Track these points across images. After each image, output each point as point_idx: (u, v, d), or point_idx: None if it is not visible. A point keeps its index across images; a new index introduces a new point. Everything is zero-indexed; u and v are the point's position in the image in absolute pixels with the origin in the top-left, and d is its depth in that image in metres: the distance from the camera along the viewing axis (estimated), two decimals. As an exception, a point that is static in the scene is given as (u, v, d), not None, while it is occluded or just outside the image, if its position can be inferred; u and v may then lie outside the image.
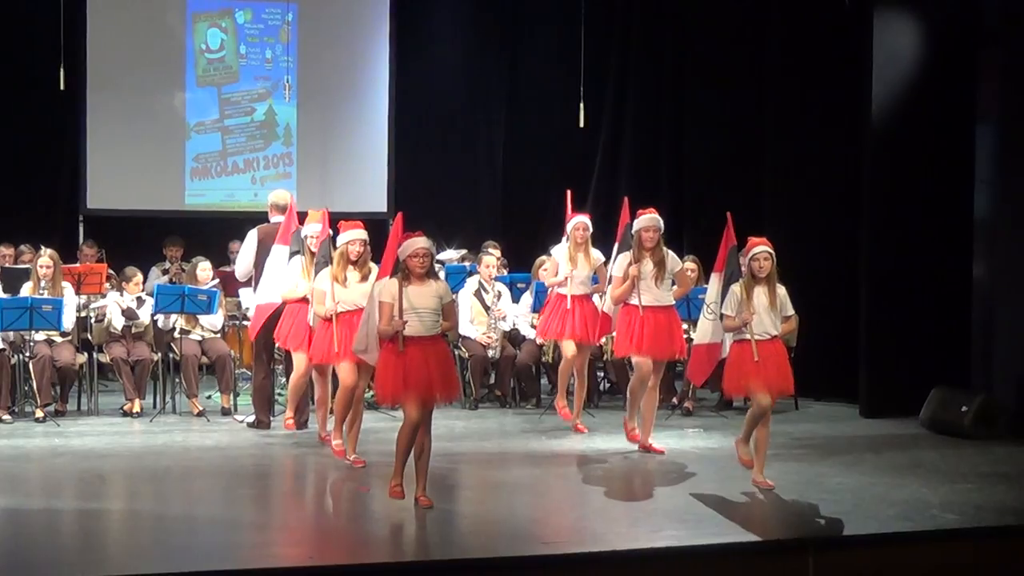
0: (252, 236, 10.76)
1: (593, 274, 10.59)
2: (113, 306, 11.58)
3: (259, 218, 11.41)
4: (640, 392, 9.77)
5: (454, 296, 12.05)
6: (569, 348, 10.62)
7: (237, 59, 15.30)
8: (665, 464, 9.59)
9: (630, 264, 9.64)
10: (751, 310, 8.51)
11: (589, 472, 9.41)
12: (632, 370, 10.05)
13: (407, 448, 8.00)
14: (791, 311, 8.73)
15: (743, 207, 12.73)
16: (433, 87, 15.77)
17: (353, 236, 9.30)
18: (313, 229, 9.91)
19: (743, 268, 8.79)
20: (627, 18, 15.38)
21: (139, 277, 11.80)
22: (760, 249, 8.62)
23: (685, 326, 11.68)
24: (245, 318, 12.33)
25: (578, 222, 10.62)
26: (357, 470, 9.13)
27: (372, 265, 9.33)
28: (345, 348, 9.15)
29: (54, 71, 13.27)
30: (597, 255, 10.55)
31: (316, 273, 9.58)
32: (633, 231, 9.73)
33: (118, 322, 11.54)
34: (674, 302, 9.91)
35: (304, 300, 9.85)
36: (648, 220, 9.69)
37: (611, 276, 9.90)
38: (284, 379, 10.95)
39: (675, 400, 11.76)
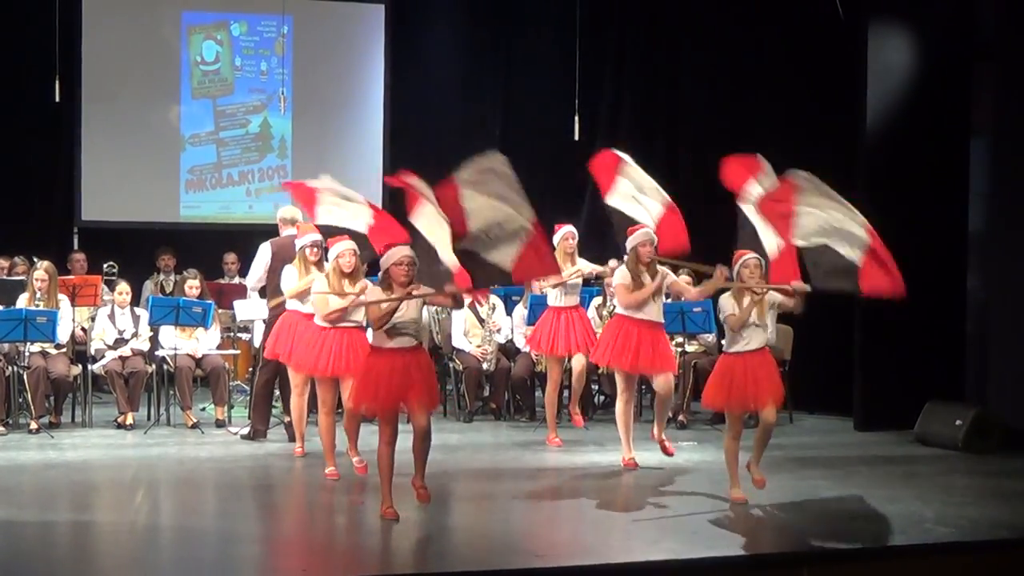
0: (265, 248, 10.74)
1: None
2: (104, 319, 11.59)
3: (254, 230, 11.42)
4: (657, 403, 9.86)
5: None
6: (555, 370, 10.72)
7: (232, 71, 15.32)
8: (659, 477, 9.58)
9: (633, 278, 9.62)
10: (745, 312, 8.53)
11: (583, 485, 9.40)
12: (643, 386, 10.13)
13: (389, 467, 8.00)
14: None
15: (737, 219, 12.76)
16: (428, 99, 15.77)
17: (342, 248, 9.29)
18: (310, 239, 9.89)
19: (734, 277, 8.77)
20: (622, 30, 15.39)
21: (123, 286, 11.80)
22: (750, 256, 8.63)
23: (680, 339, 11.76)
24: (242, 330, 12.34)
25: (567, 231, 10.70)
26: (353, 482, 9.12)
27: (365, 281, 9.30)
28: (346, 364, 9.13)
29: (49, 82, 13.27)
30: (584, 264, 10.68)
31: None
32: (629, 247, 9.73)
33: (111, 336, 11.54)
34: (663, 320, 9.88)
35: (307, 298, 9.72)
36: (644, 235, 9.69)
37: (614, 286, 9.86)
38: (278, 391, 10.93)
39: (670, 413, 11.74)
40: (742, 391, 8.52)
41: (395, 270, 7.97)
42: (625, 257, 9.78)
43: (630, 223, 9.74)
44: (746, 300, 8.58)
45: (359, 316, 9.17)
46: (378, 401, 7.96)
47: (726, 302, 8.64)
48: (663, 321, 9.84)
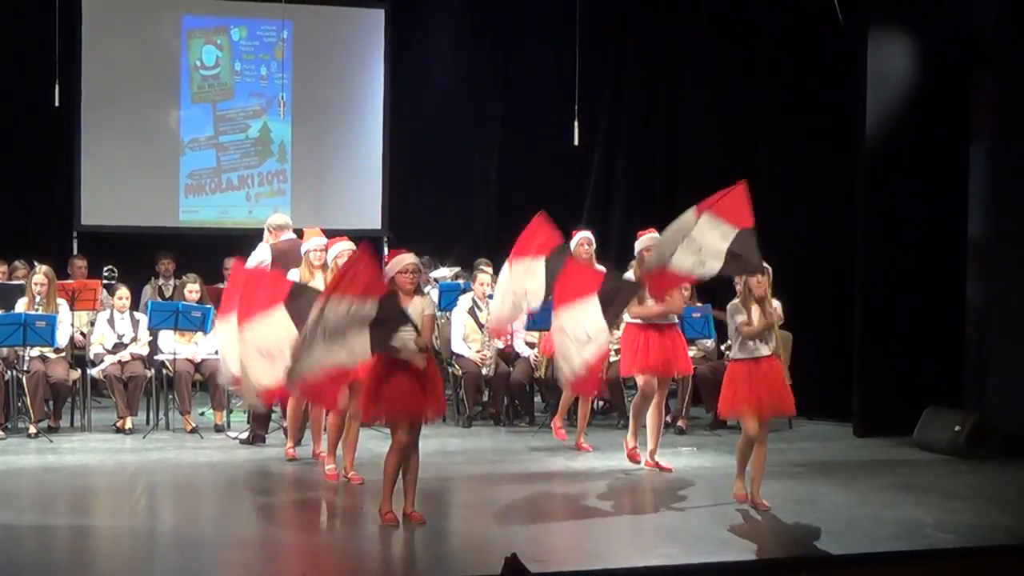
0: (263, 248, 10.74)
1: None
2: (103, 324, 11.59)
3: (253, 234, 11.41)
4: (643, 410, 9.79)
5: (447, 314, 12.16)
6: None
7: (232, 76, 15.32)
8: (659, 482, 9.58)
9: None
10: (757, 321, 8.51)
11: (582, 490, 9.39)
12: (631, 390, 10.08)
13: (395, 472, 7.99)
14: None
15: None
16: (427, 104, 15.77)
17: (341, 248, 9.27)
18: (315, 243, 9.92)
19: (738, 287, 8.77)
20: (621, 37, 15.40)
21: (122, 291, 11.80)
22: None
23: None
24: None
25: (582, 237, 10.69)
26: (352, 487, 9.13)
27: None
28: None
29: (49, 87, 13.26)
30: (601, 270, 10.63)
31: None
32: (636, 251, 9.77)
33: (110, 341, 11.55)
34: (676, 320, 9.92)
35: None
36: (649, 240, 9.72)
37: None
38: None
39: (668, 419, 11.73)
40: (758, 396, 8.50)
41: (401, 278, 7.96)
42: (632, 262, 9.81)
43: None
44: (755, 309, 8.54)
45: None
46: (389, 409, 7.93)
47: (735, 309, 8.61)
48: (676, 322, 9.87)
